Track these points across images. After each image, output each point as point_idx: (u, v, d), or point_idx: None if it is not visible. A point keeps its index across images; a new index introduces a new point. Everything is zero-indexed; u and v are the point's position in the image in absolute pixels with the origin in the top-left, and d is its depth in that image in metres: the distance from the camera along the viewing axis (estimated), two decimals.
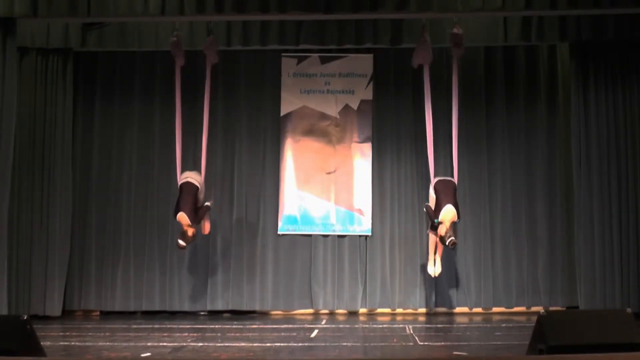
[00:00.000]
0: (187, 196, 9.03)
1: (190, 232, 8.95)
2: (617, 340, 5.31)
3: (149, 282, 10.42)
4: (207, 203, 9.26)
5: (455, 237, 8.74)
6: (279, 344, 7.28)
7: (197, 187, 9.08)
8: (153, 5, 8.52)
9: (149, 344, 7.28)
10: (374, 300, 10.44)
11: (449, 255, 10.31)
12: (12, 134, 8.69)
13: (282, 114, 10.75)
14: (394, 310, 10.45)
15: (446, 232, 8.55)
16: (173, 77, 9.34)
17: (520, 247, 10.42)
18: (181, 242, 8.95)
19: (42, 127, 10.05)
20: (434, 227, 8.81)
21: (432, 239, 9.08)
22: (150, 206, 10.55)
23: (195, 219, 9.01)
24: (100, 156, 10.68)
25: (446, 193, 8.80)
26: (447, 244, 8.59)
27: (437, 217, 8.65)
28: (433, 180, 8.93)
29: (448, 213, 8.62)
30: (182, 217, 8.94)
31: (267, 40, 9.73)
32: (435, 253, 9.13)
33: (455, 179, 9.08)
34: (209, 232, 9.65)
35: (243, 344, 7.30)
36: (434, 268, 9.16)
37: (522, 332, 7.53)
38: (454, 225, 8.81)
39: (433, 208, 8.75)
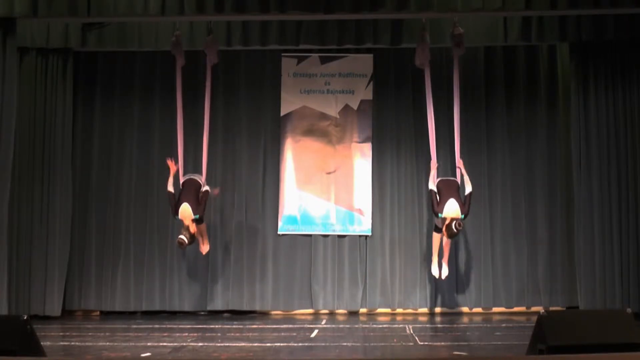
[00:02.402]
0: (189, 190, 8.98)
1: (192, 228, 8.86)
2: (617, 340, 5.31)
3: (149, 282, 10.42)
4: (206, 188, 9.04)
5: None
6: (279, 344, 7.29)
7: (199, 183, 9.06)
8: (153, 5, 8.52)
9: (149, 344, 7.28)
10: (374, 300, 10.44)
11: (449, 255, 10.30)
12: (12, 134, 8.69)
13: (282, 114, 10.75)
14: (394, 310, 10.45)
15: (451, 220, 8.58)
16: (173, 77, 9.35)
17: (520, 247, 10.42)
18: (182, 237, 8.75)
19: (42, 127, 10.05)
20: (438, 229, 8.88)
21: (436, 240, 9.11)
22: (150, 206, 10.55)
23: (198, 210, 8.87)
24: (100, 156, 10.68)
25: (449, 191, 8.87)
26: (454, 227, 8.56)
27: (441, 212, 8.70)
28: (434, 177, 8.97)
29: (451, 207, 8.68)
30: (185, 209, 8.82)
31: (267, 40, 9.73)
32: (440, 256, 9.14)
33: (458, 179, 9.10)
34: (208, 251, 9.49)
35: (243, 344, 7.30)
36: (439, 270, 9.17)
37: (522, 332, 7.53)
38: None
39: (436, 205, 8.79)
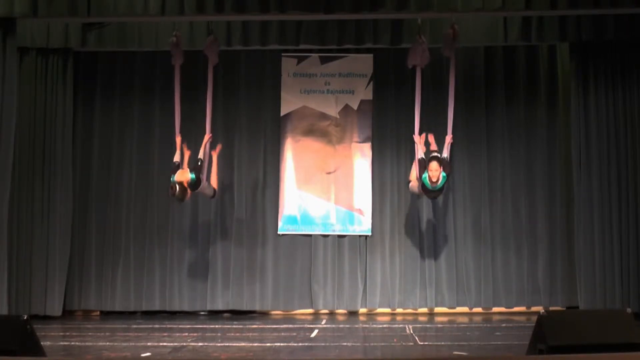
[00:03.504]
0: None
1: (186, 195, 9.07)
2: (617, 340, 5.31)
3: (149, 282, 10.42)
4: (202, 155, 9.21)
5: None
6: (279, 344, 7.29)
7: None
8: (153, 5, 8.53)
9: (149, 344, 7.28)
10: (374, 300, 10.44)
11: (449, 255, 10.36)
12: (13, 134, 8.70)
13: (282, 114, 10.75)
14: (394, 310, 10.44)
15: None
16: (173, 78, 9.35)
17: (520, 247, 10.42)
18: (175, 187, 8.98)
19: (42, 127, 10.05)
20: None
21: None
22: (150, 206, 10.55)
23: (195, 170, 9.03)
24: (100, 156, 10.68)
25: None
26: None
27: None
28: (421, 149, 9.15)
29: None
30: (184, 172, 9.00)
31: (267, 40, 9.73)
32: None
33: (445, 153, 9.26)
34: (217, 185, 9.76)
35: (243, 344, 7.30)
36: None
37: (522, 332, 7.53)
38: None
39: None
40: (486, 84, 10.71)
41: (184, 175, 9.02)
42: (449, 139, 9.15)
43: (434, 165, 8.98)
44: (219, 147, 9.82)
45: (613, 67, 9.84)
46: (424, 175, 9.03)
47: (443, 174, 9.01)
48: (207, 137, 9.27)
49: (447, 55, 9.15)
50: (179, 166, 9.15)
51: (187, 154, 9.34)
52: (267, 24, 9.61)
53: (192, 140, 9.95)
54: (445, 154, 9.18)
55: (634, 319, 5.57)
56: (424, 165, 9.07)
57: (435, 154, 9.17)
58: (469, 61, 10.56)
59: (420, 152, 9.15)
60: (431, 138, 9.42)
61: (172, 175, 9.09)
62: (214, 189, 9.66)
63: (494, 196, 10.55)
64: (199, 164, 9.14)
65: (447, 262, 10.40)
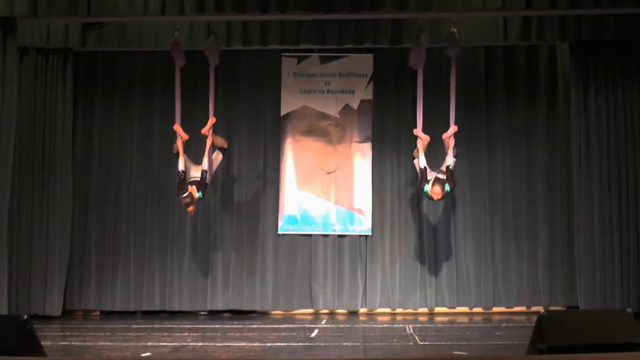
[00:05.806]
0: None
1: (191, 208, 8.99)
2: (617, 340, 5.31)
3: (149, 282, 10.42)
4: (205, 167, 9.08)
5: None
6: (279, 344, 7.29)
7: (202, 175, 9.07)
8: (153, 5, 8.53)
9: (149, 344, 7.28)
10: (374, 300, 10.44)
11: (449, 255, 10.36)
12: (13, 134, 8.71)
13: (282, 114, 10.76)
14: (394, 310, 10.45)
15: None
16: (173, 77, 9.32)
17: (520, 247, 10.42)
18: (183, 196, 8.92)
19: (42, 127, 10.05)
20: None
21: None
22: (151, 206, 10.55)
23: (200, 187, 8.94)
24: (100, 156, 10.68)
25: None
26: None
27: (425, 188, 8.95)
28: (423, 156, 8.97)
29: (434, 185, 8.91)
30: (191, 191, 8.88)
31: (267, 40, 9.73)
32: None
33: (447, 147, 9.07)
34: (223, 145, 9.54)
35: (243, 344, 7.30)
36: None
37: (522, 332, 7.53)
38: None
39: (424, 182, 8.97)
40: (486, 84, 10.72)
41: (191, 196, 8.90)
42: (451, 131, 8.94)
43: (436, 189, 8.83)
44: (210, 126, 9.19)
45: (613, 67, 9.85)
46: (425, 188, 8.92)
47: (447, 188, 8.87)
48: (209, 141, 9.14)
49: (453, 54, 9.08)
50: (184, 179, 8.95)
51: (185, 138, 9.12)
52: (267, 23, 9.61)
53: (192, 143, 9.95)
54: (450, 162, 8.93)
55: (634, 319, 5.57)
56: (425, 177, 8.93)
57: (440, 175, 8.91)
58: (469, 61, 10.56)
59: (422, 159, 8.95)
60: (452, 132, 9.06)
61: (179, 192, 8.96)
62: (223, 149, 9.45)
63: (494, 196, 10.56)
64: (203, 176, 8.98)
65: (447, 262, 10.40)
